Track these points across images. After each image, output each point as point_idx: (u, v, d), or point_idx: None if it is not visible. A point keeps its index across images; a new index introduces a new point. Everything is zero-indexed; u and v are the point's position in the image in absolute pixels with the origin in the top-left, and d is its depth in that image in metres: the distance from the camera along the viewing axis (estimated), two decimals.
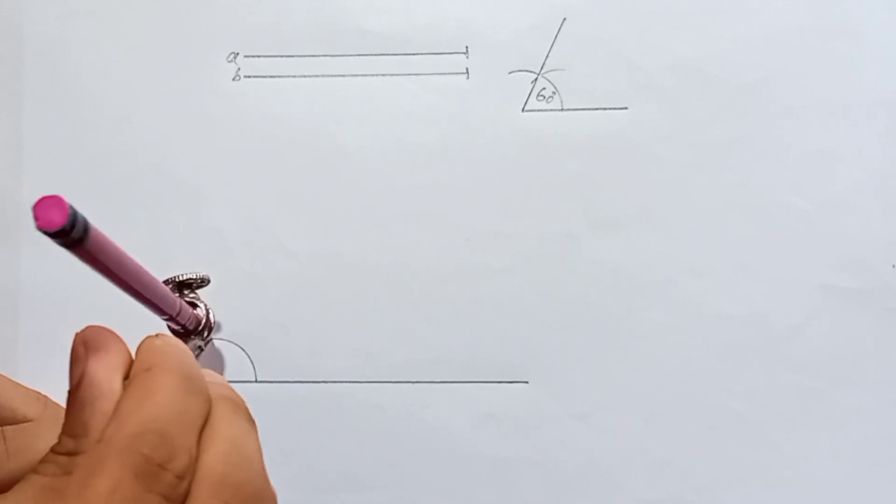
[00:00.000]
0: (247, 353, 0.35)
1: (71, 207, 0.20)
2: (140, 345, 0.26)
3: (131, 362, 0.25)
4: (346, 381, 0.35)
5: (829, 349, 0.35)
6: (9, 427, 0.29)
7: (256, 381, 0.35)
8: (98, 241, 0.22)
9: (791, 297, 0.35)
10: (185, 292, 0.34)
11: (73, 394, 0.24)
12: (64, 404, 0.33)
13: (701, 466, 0.35)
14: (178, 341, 0.26)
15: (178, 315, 0.30)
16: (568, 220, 0.36)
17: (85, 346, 0.25)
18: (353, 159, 0.36)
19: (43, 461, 0.23)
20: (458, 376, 0.35)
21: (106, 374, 0.24)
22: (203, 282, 0.34)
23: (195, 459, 0.23)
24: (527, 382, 0.35)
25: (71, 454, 0.22)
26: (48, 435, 0.29)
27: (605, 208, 0.36)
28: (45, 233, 0.20)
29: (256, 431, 0.26)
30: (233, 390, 0.27)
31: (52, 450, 0.23)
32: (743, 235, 0.35)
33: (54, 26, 0.36)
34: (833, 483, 0.34)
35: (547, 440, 0.35)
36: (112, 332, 0.25)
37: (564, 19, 0.36)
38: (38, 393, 0.32)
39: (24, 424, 0.29)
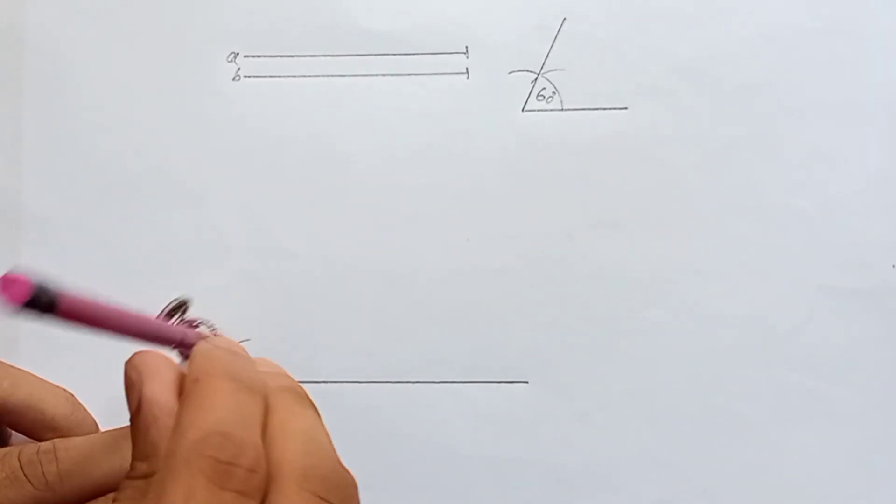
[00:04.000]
0: None
1: (33, 280, 0.20)
2: (190, 357, 0.26)
3: (183, 376, 0.25)
4: (346, 381, 0.35)
5: (829, 349, 0.35)
6: (61, 448, 0.30)
7: None
8: (73, 302, 0.22)
9: (791, 297, 0.35)
10: (177, 317, 0.34)
11: (134, 419, 0.24)
12: (85, 403, 0.34)
13: (701, 466, 0.35)
14: (228, 340, 0.27)
15: (182, 342, 0.29)
16: (568, 220, 0.36)
17: (137, 371, 0.25)
18: (353, 159, 0.36)
19: (121, 488, 0.23)
20: (458, 376, 0.35)
21: (161, 392, 0.24)
22: (183, 305, 0.34)
23: (264, 454, 0.23)
24: (527, 382, 0.35)
25: (146, 476, 0.23)
26: (99, 456, 0.30)
27: (605, 208, 0.36)
28: (16, 309, 0.20)
29: (321, 417, 0.26)
30: (291, 378, 0.27)
31: (128, 476, 0.23)
32: (743, 235, 0.35)
33: (54, 26, 0.36)
34: (833, 483, 0.34)
35: (547, 440, 0.35)
36: (159, 353, 0.26)
37: (564, 19, 0.36)
38: (66, 391, 0.33)
39: (76, 444, 0.30)
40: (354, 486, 0.25)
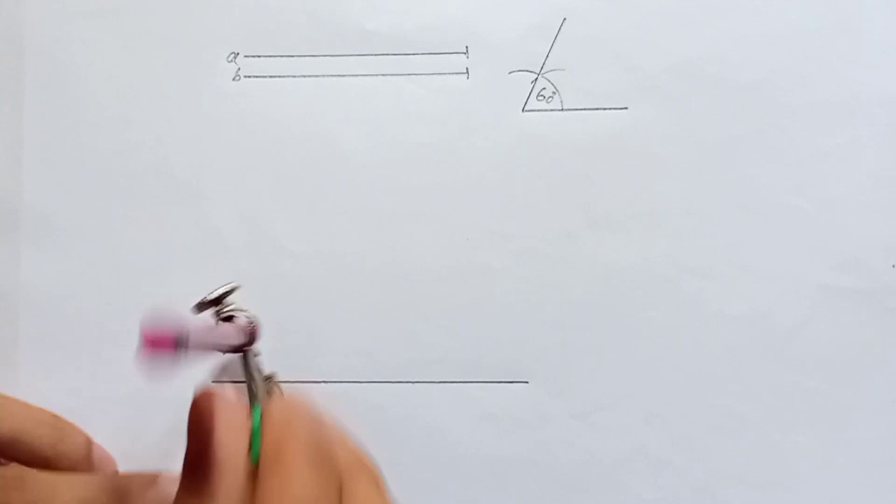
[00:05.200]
0: None
1: (177, 336, 0.22)
2: (265, 416, 0.25)
3: (247, 417, 0.25)
4: (346, 381, 0.35)
5: (829, 349, 0.35)
6: (30, 477, 0.30)
7: None
8: (195, 343, 0.25)
9: (791, 297, 0.35)
10: (217, 308, 0.33)
11: (202, 466, 0.24)
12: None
13: (701, 466, 0.35)
14: (303, 402, 0.26)
15: (233, 347, 0.30)
16: (568, 220, 0.36)
17: (209, 414, 0.25)
18: (353, 159, 0.36)
19: None
20: (458, 376, 0.35)
21: (235, 449, 0.24)
22: (231, 292, 0.32)
23: None
24: (527, 382, 0.35)
25: None
26: (64, 487, 0.30)
27: (605, 208, 0.36)
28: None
29: (387, 493, 0.27)
30: (360, 451, 0.27)
31: None
32: (743, 235, 0.35)
33: (54, 26, 0.36)
34: (833, 483, 0.34)
35: (547, 440, 0.35)
36: (227, 397, 0.25)
37: (564, 19, 0.36)
38: (51, 416, 0.32)
39: (46, 478, 0.30)
40: None
